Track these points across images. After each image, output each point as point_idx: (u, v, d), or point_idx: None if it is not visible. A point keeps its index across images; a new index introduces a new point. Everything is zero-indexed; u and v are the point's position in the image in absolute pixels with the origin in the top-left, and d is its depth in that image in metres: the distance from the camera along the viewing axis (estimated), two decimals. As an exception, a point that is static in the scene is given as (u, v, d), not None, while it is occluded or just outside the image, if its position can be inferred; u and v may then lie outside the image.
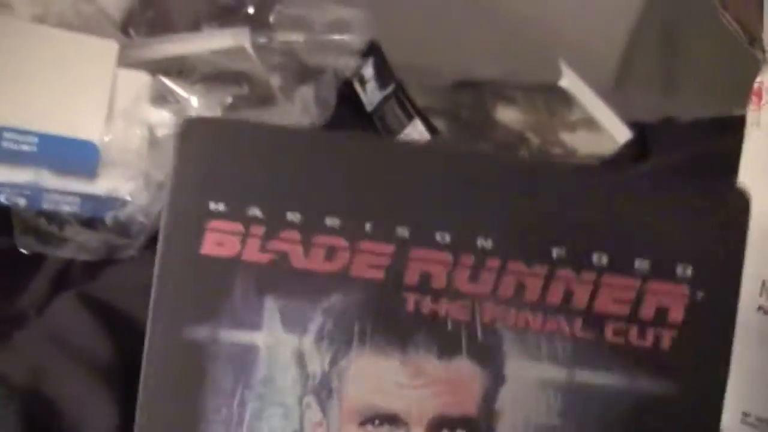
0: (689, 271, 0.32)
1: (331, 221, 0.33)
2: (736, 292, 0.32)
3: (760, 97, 0.38)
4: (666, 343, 0.32)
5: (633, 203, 0.32)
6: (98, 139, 0.58)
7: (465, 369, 0.32)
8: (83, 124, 0.57)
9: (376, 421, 0.32)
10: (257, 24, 0.68)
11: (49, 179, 0.58)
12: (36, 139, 0.59)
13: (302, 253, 0.33)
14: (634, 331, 0.32)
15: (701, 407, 0.31)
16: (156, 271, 0.33)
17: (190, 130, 0.34)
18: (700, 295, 0.32)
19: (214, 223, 0.33)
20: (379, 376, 0.32)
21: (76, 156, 0.58)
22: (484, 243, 0.32)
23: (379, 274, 0.32)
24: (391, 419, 0.32)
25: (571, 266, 0.32)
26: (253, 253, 0.33)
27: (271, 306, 0.33)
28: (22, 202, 0.58)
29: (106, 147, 0.58)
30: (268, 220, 0.33)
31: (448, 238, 0.32)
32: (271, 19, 0.69)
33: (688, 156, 0.56)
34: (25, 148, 0.59)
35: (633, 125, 0.67)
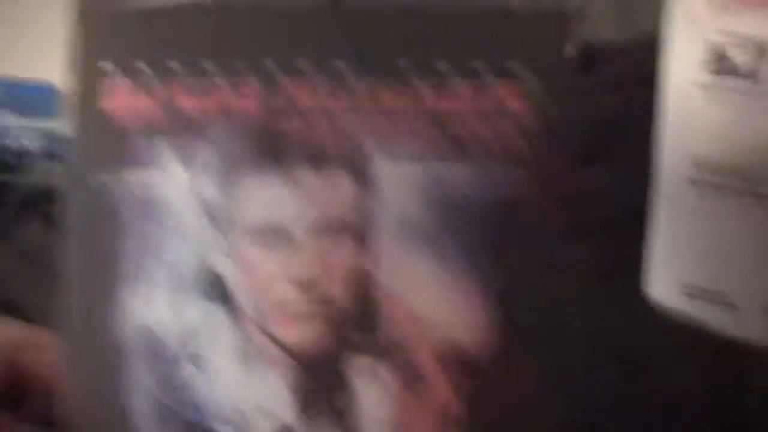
0: (522, 68, 0.35)
1: (207, 63, 0.37)
2: (568, 78, 0.35)
3: None
4: (510, 134, 0.35)
5: (466, 11, 0.36)
6: (58, 80, 0.62)
7: (337, 177, 0.36)
8: (42, 66, 0.62)
9: (265, 234, 0.36)
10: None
11: (10, 120, 0.63)
12: None
13: (186, 96, 0.37)
14: (480, 125, 0.35)
15: (548, 194, 0.35)
16: (70, 129, 0.38)
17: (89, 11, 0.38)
18: (535, 88, 0.35)
19: (108, 80, 0.37)
20: (262, 194, 0.36)
21: (36, 97, 0.63)
22: (340, 64, 0.36)
23: (255, 104, 0.37)
24: (277, 230, 0.36)
25: (417, 75, 0.36)
26: (144, 102, 0.37)
27: (164, 146, 0.37)
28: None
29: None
30: (154, 70, 0.37)
31: (308, 64, 0.36)
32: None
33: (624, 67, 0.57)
34: None
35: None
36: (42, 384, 0.39)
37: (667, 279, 0.41)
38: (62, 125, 0.38)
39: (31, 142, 0.63)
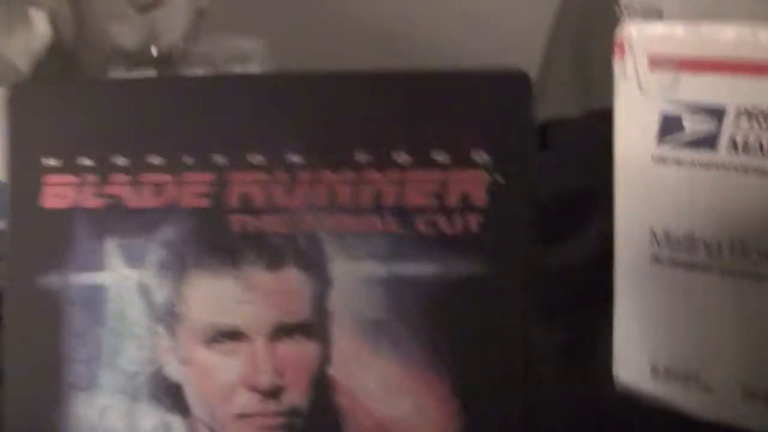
0: (484, 156, 0.33)
1: (154, 159, 0.35)
2: (531, 171, 0.33)
3: (622, 49, 0.39)
4: (474, 226, 0.33)
5: (423, 99, 0.34)
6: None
7: (293, 277, 0.34)
8: None
9: (220, 338, 0.34)
10: (162, 66, 0.70)
11: None
12: None
13: (133, 193, 0.35)
14: (443, 220, 0.33)
15: (511, 284, 0.33)
16: (8, 226, 0.36)
17: (18, 95, 0.36)
18: (498, 177, 0.33)
19: (50, 178, 0.35)
20: (216, 296, 0.34)
21: None
22: (294, 158, 0.34)
23: (204, 202, 0.35)
24: (234, 334, 0.34)
25: (375, 167, 0.34)
26: (88, 200, 0.35)
27: (111, 246, 0.35)
28: None
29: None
30: (98, 167, 0.35)
31: (260, 158, 0.34)
32: (175, 58, 0.71)
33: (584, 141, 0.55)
34: None
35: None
36: None
37: (635, 360, 0.39)
38: (2, 224, 0.36)
39: None
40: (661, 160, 0.38)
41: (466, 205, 0.33)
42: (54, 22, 0.67)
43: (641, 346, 0.39)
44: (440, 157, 0.33)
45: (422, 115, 0.34)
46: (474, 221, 0.33)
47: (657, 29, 0.39)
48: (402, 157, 0.34)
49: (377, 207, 0.34)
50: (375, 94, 0.34)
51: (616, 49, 0.39)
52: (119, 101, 0.35)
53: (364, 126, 0.34)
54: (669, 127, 0.38)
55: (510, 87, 0.33)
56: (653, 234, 0.39)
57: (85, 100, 0.36)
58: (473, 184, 0.33)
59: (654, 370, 0.39)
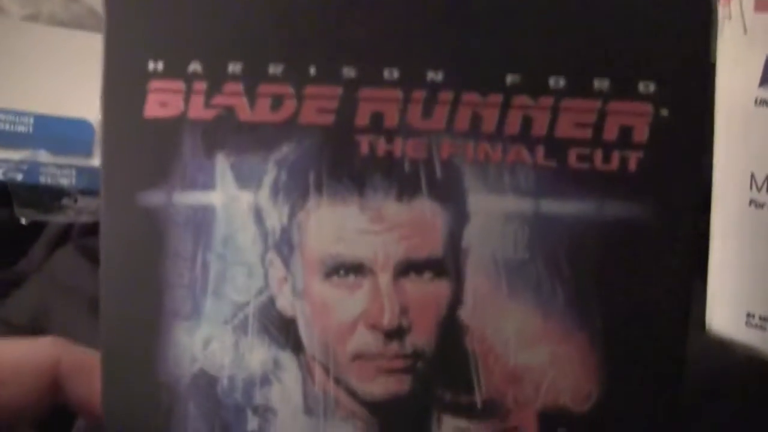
0: (652, 88, 0.30)
1: (274, 68, 0.31)
2: (704, 107, 0.30)
3: None
4: (632, 165, 0.30)
5: (587, 20, 0.30)
6: (93, 118, 0.58)
7: (427, 209, 0.31)
8: (77, 104, 0.59)
9: (341, 272, 0.31)
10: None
11: (46, 158, 0.61)
12: (32, 120, 0.62)
13: (248, 105, 0.31)
14: (598, 155, 0.30)
15: (674, 230, 0.30)
16: (102, 139, 0.32)
17: None
18: (664, 112, 0.30)
19: (155, 83, 0.32)
20: (339, 225, 0.31)
21: (71, 134, 0.61)
22: (435, 76, 0.30)
23: (329, 119, 0.31)
24: (356, 268, 0.31)
25: (527, 92, 0.30)
26: (197, 110, 0.32)
27: (222, 163, 0.32)
28: (19, 177, 0.61)
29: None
30: (210, 74, 0.31)
31: (396, 74, 0.31)
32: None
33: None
34: (21, 129, 0.62)
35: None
36: (90, 410, 0.34)
37: (729, 308, 0.38)
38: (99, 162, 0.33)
39: (67, 180, 0.61)
40: (764, 103, 0.37)
41: (626, 140, 0.30)
42: None
43: (736, 293, 0.38)
44: (601, 84, 0.30)
45: (583, 36, 0.30)
46: (634, 159, 0.30)
47: None
48: (558, 82, 0.30)
49: (525, 136, 0.30)
50: (532, 8, 0.30)
51: None
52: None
53: (516, 44, 0.30)
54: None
55: (688, 10, 0.29)
56: (753, 178, 0.38)
57: None
58: (636, 117, 0.30)
59: (749, 318, 0.37)
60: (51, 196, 0.60)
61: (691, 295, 0.30)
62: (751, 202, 0.38)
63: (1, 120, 0.63)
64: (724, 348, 0.38)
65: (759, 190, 0.38)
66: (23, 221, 0.58)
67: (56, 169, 0.62)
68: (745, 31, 0.38)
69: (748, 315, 0.38)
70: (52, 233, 0.57)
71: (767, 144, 0.38)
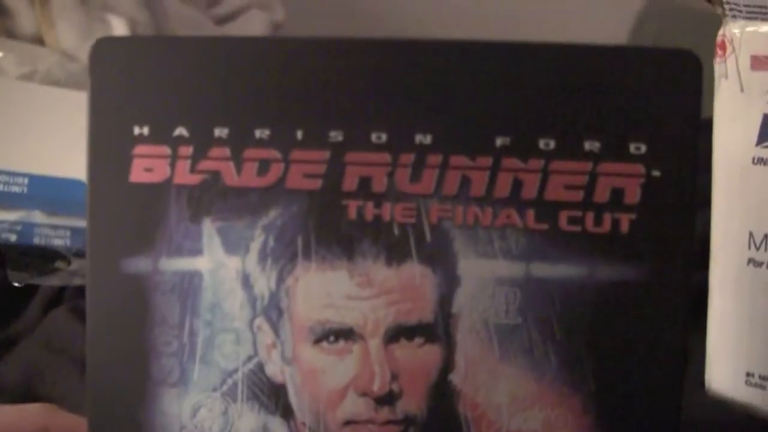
0: (643, 149, 0.29)
1: (261, 133, 0.31)
2: (693, 166, 0.29)
3: (724, 48, 0.39)
4: (624, 226, 0.30)
5: (577, 82, 0.30)
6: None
7: (416, 273, 0.30)
8: (71, 164, 0.59)
9: (331, 338, 0.31)
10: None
11: (40, 218, 0.61)
12: (26, 180, 0.62)
13: (234, 170, 0.31)
14: (590, 218, 0.30)
15: (667, 291, 0.29)
16: (87, 204, 0.32)
17: (103, 50, 0.32)
18: (655, 173, 0.29)
19: (140, 148, 0.31)
20: (328, 291, 0.31)
21: (65, 194, 0.61)
22: (423, 139, 0.30)
23: (316, 184, 0.31)
24: (346, 334, 0.31)
25: (517, 154, 0.30)
26: (183, 175, 0.31)
27: (209, 229, 0.31)
28: (13, 237, 0.61)
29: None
30: (196, 138, 0.31)
31: (384, 137, 0.30)
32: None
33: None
34: (15, 189, 0.62)
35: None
36: None
37: (728, 367, 0.38)
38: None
39: (61, 241, 0.61)
40: (761, 161, 0.38)
41: (618, 201, 0.30)
42: (132, 29, 0.67)
43: (735, 352, 0.38)
44: (592, 146, 0.30)
45: (575, 97, 0.30)
46: (625, 221, 0.30)
47: (761, 28, 0.38)
48: (548, 144, 0.30)
49: (515, 199, 0.30)
50: (522, 69, 0.30)
51: (717, 50, 0.39)
52: (224, 63, 0.31)
53: (507, 106, 0.30)
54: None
55: (678, 69, 0.29)
56: (751, 236, 0.38)
57: (183, 59, 0.31)
58: (628, 178, 0.29)
59: (748, 377, 0.37)
60: (44, 259, 0.60)
61: (686, 357, 0.30)
62: (750, 260, 0.38)
63: None
64: (723, 407, 0.38)
65: (758, 248, 0.38)
66: (16, 284, 0.58)
67: (50, 230, 0.62)
68: (742, 89, 0.38)
69: (748, 374, 0.38)
70: (46, 294, 0.57)
71: (765, 202, 0.38)
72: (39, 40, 0.71)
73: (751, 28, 0.38)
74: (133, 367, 0.32)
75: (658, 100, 0.29)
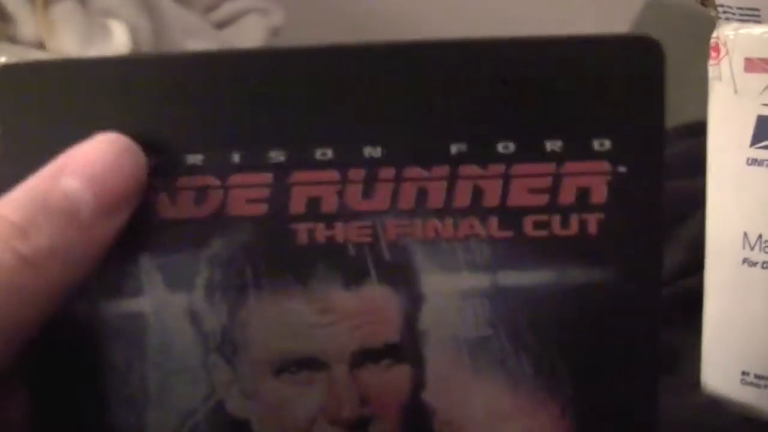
0: (607, 145, 0.28)
1: (193, 158, 0.28)
2: (660, 161, 0.28)
3: (718, 51, 0.39)
4: (592, 227, 0.28)
5: (534, 80, 0.28)
6: None
7: (377, 294, 0.29)
8: None
9: (293, 368, 0.29)
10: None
11: None
12: None
13: (168, 201, 0.28)
14: (556, 221, 0.28)
15: (638, 291, 0.28)
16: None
17: (7, 78, 0.28)
18: (621, 169, 0.28)
19: None
20: (285, 320, 0.29)
21: None
22: (373, 152, 0.28)
23: (261, 209, 0.28)
24: (309, 363, 0.29)
25: (475, 161, 0.28)
26: None
27: (147, 266, 0.29)
28: None
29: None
30: None
31: (330, 153, 0.28)
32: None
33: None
34: None
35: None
36: None
37: (724, 367, 0.38)
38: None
39: None
40: (755, 162, 0.38)
41: (585, 202, 0.28)
42: (133, 34, 0.64)
43: (731, 352, 0.39)
44: (553, 145, 0.28)
45: (531, 95, 0.28)
46: (593, 221, 0.28)
47: (754, 31, 0.38)
48: (507, 148, 0.28)
49: (477, 208, 0.28)
50: (472, 68, 0.27)
51: (712, 52, 0.39)
52: (145, 84, 0.28)
53: (460, 110, 0.28)
54: (764, 130, 0.38)
55: (639, 57, 0.27)
56: (746, 237, 0.38)
57: (96, 83, 0.28)
58: (593, 176, 0.28)
59: (744, 376, 0.37)
60: None
61: (658, 355, 0.29)
62: (744, 260, 0.38)
63: None
64: (719, 407, 0.38)
65: (752, 248, 0.38)
66: None
67: None
68: (736, 91, 0.38)
69: (743, 373, 0.38)
70: None
71: (759, 203, 0.38)
72: (40, 46, 0.71)
73: (745, 30, 0.38)
74: (85, 419, 0.29)
75: (620, 91, 0.27)
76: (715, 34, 0.39)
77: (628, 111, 0.28)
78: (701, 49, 0.39)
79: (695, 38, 0.42)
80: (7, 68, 0.28)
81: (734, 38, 0.38)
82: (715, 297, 0.39)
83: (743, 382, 0.38)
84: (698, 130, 0.40)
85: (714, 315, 0.39)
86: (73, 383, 0.29)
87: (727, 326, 0.38)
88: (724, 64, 0.38)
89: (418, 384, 0.29)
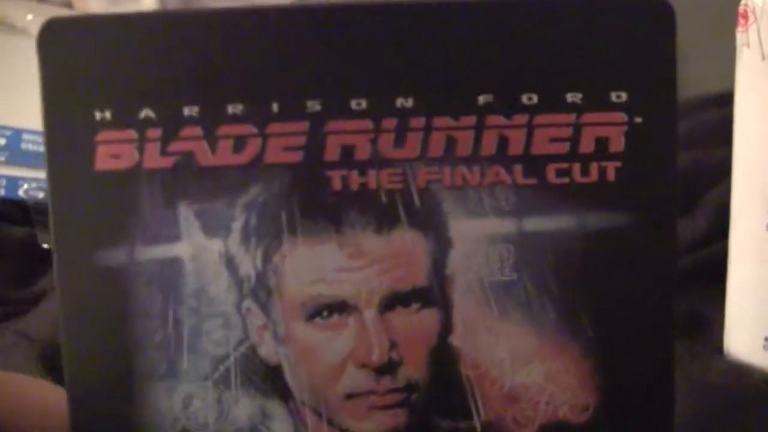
0: (624, 97, 0.30)
1: (233, 108, 0.29)
2: (674, 112, 0.30)
3: (746, 18, 0.39)
4: (611, 175, 0.30)
5: (555, 35, 0.30)
6: None
7: (407, 239, 0.30)
8: None
9: (324, 313, 0.30)
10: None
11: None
12: None
13: (208, 150, 0.29)
14: (576, 169, 0.30)
15: (655, 236, 0.30)
16: (49, 197, 0.30)
17: (52, 33, 0.29)
18: (638, 120, 0.30)
19: (104, 135, 0.29)
20: (317, 265, 0.30)
21: None
22: (405, 102, 0.29)
23: (297, 156, 0.30)
24: (340, 307, 0.30)
25: (500, 112, 0.30)
26: (154, 159, 0.29)
27: (185, 212, 0.30)
28: (40, 195, 0.62)
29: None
30: (164, 119, 0.29)
31: (364, 104, 0.29)
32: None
33: (692, 125, 0.55)
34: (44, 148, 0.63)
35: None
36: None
37: (747, 332, 0.39)
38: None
39: None
40: None
41: (603, 151, 0.30)
42: None
43: (754, 317, 0.39)
44: (574, 97, 0.30)
45: (553, 51, 0.29)
46: (612, 169, 0.30)
47: None
48: (531, 99, 0.30)
49: (502, 156, 0.30)
50: (499, 26, 0.29)
51: (740, 19, 0.39)
52: (190, 37, 0.29)
53: (487, 64, 0.29)
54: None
55: (652, 17, 0.29)
56: None
57: (143, 36, 0.29)
58: (611, 127, 0.30)
59: (767, 342, 0.38)
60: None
61: (673, 298, 0.31)
62: None
63: (27, 140, 0.65)
64: (741, 372, 0.39)
65: None
66: (45, 246, 0.55)
67: None
68: (764, 57, 0.38)
69: (766, 339, 0.39)
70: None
71: None
72: (68, 4, 0.72)
73: None
74: (117, 365, 0.30)
75: (635, 47, 0.29)
76: (743, 1, 0.40)
77: (643, 65, 0.30)
78: (728, 15, 0.40)
79: (722, 5, 0.43)
80: (53, 22, 0.30)
81: (763, 5, 0.38)
82: (740, 263, 0.40)
83: (766, 348, 0.39)
84: (725, 100, 0.41)
85: (738, 281, 0.39)
86: (107, 328, 0.30)
87: (750, 292, 0.39)
88: (752, 30, 0.39)
89: (446, 327, 0.30)
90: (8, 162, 0.66)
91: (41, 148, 0.63)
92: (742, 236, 0.40)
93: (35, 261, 0.58)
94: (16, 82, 0.66)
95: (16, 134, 0.67)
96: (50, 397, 0.32)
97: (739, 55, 0.40)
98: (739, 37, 0.40)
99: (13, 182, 0.65)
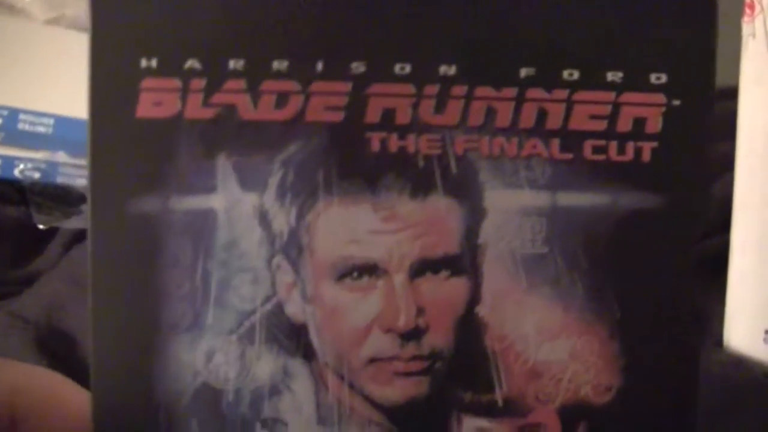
0: (663, 79, 0.30)
1: (279, 64, 0.30)
2: (711, 97, 0.30)
3: (752, 8, 0.39)
4: (646, 155, 0.30)
5: (599, 14, 0.30)
6: None
7: (442, 206, 0.30)
8: None
9: (354, 274, 0.30)
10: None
11: (64, 158, 0.62)
12: (52, 121, 0.64)
13: (250, 103, 0.30)
14: (613, 147, 0.30)
15: (686, 217, 0.30)
16: (88, 142, 0.30)
17: None
18: (675, 102, 0.30)
19: (148, 82, 0.30)
20: (351, 226, 0.30)
21: None
22: (448, 70, 0.30)
23: (338, 116, 0.30)
24: (370, 269, 0.30)
25: (541, 85, 0.30)
26: (195, 109, 0.30)
27: (223, 165, 0.30)
28: (36, 175, 0.63)
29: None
30: (209, 71, 0.30)
31: (408, 68, 0.30)
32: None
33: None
34: (41, 129, 0.64)
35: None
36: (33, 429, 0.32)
37: (748, 325, 0.39)
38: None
39: (83, 180, 0.62)
40: None
41: (640, 131, 0.30)
42: None
43: (754, 309, 0.39)
44: (614, 76, 0.30)
45: (596, 29, 0.30)
46: (647, 149, 0.30)
47: None
48: (572, 75, 0.30)
49: (540, 129, 0.30)
50: (544, 1, 0.30)
51: (746, 9, 0.39)
52: None
53: (530, 37, 0.30)
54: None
55: (696, 2, 0.30)
56: None
57: None
58: (649, 108, 0.30)
59: (767, 335, 0.38)
60: (68, 202, 0.59)
61: (699, 282, 0.31)
62: None
63: (23, 120, 0.64)
64: (741, 365, 0.39)
65: None
66: (41, 226, 0.56)
67: (74, 169, 0.62)
68: None
69: (766, 332, 0.39)
70: (68, 232, 0.56)
71: None
72: None
73: None
74: (142, 314, 0.30)
75: (676, 31, 0.30)
76: None
77: (684, 49, 0.30)
78: (735, 6, 0.40)
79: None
80: None
81: None
82: (741, 256, 0.40)
83: (766, 341, 0.39)
84: (728, 93, 0.41)
85: (739, 274, 0.40)
86: (135, 276, 0.30)
87: (751, 284, 0.39)
88: (759, 21, 0.39)
89: (474, 297, 0.30)
90: (4, 142, 0.67)
91: (37, 129, 0.65)
92: (744, 230, 0.40)
93: (30, 241, 0.59)
94: (13, 63, 0.67)
95: (13, 114, 0.67)
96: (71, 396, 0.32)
97: (744, 45, 0.40)
98: (745, 27, 0.40)
99: (9, 162, 0.65)
